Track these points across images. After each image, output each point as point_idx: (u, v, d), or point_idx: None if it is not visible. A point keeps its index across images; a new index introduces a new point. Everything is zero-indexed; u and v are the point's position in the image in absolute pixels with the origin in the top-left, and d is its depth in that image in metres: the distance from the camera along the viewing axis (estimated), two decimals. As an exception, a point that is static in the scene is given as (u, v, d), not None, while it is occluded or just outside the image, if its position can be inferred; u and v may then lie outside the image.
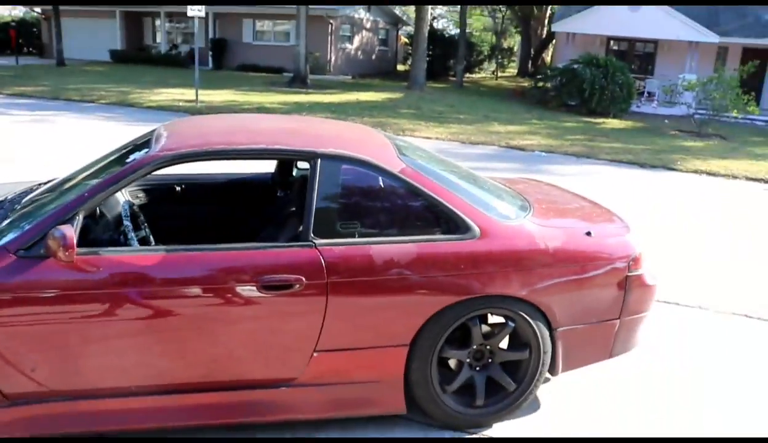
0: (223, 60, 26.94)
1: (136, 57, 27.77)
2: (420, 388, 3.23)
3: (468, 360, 3.32)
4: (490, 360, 3.37)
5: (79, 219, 2.85)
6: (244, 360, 3.04)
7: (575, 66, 19.37)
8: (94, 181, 3.04)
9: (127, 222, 3.19)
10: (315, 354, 3.06)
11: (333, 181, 3.15)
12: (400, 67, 33.36)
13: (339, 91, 20.47)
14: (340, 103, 17.01)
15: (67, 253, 2.65)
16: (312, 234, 3.03)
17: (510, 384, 3.36)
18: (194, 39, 17.12)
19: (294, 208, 3.62)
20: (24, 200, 3.40)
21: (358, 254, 3.05)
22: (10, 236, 2.86)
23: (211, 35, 26.77)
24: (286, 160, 3.44)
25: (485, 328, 3.32)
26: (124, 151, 3.65)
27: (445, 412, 3.30)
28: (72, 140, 10.88)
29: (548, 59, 32.97)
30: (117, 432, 3.06)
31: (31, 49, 31.25)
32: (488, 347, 3.34)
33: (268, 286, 2.93)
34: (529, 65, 33.57)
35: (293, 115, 13.61)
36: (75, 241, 2.67)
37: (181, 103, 15.75)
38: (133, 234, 3.12)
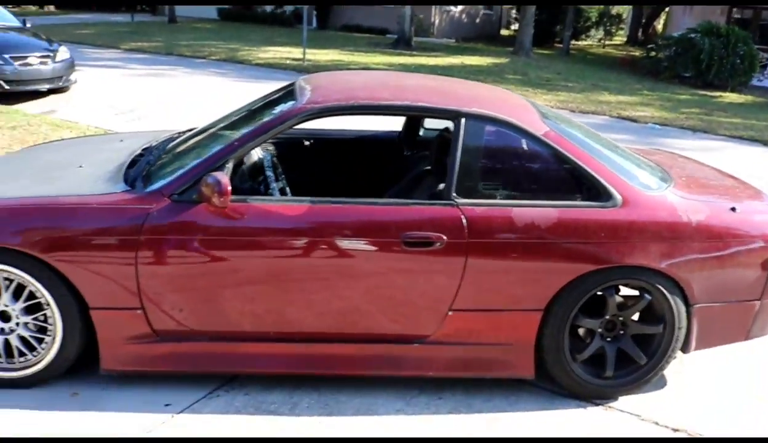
0: (328, 20, 27.05)
1: (243, 15, 28.29)
2: (551, 354, 3.21)
3: (600, 330, 3.27)
4: (621, 332, 3.31)
5: (229, 167, 2.96)
6: (381, 314, 3.10)
7: (692, 35, 18.33)
8: (242, 131, 3.13)
9: (269, 173, 3.29)
10: (450, 313, 3.09)
11: (476, 141, 3.15)
12: (503, 32, 32.60)
13: (443, 54, 20.23)
14: (446, 67, 16.82)
15: (221, 199, 2.77)
16: (454, 194, 3.04)
17: (641, 357, 3.29)
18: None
19: (429, 167, 3.63)
20: (168, 147, 3.56)
21: (499, 215, 3.04)
22: (162, 181, 3.01)
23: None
24: (429, 117, 3.44)
25: (619, 299, 3.24)
26: (262, 103, 3.75)
27: (573, 381, 3.27)
28: (188, 94, 11.28)
29: (659, 28, 31.40)
30: (251, 374, 3.20)
31: (143, 6, 32.37)
32: (621, 318, 3.28)
33: (409, 242, 2.97)
34: (639, 33, 32.08)
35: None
36: (230, 188, 2.77)
37: (288, 61, 15.99)
38: (275, 184, 3.21)
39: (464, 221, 3.01)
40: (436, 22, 26.42)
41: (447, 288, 3.06)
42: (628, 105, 13.71)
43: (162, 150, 3.54)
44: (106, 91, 11.15)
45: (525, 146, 3.26)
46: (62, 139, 4.55)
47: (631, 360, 3.32)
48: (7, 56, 9.64)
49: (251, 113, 3.68)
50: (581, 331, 3.37)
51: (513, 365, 3.25)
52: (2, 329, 3.00)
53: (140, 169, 3.25)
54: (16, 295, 2.95)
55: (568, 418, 3.21)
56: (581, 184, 3.21)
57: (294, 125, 3.06)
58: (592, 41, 32.80)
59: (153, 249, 2.86)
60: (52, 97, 10.39)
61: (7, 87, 9.62)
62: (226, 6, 28.94)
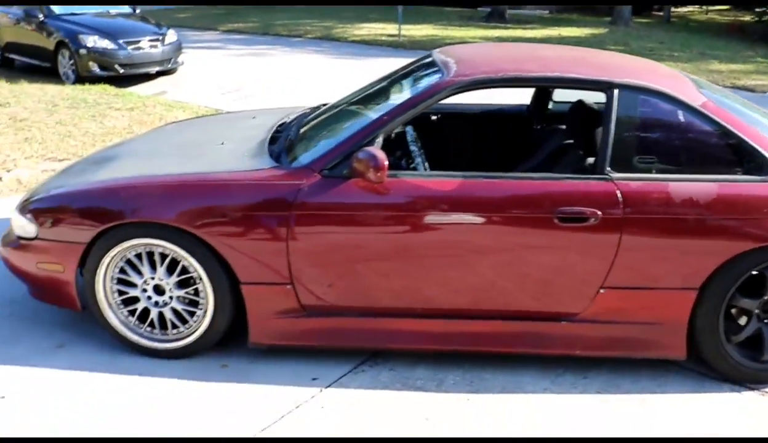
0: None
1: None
2: (704, 335, 3.04)
3: (757, 311, 3.07)
4: None
5: (379, 141, 2.92)
6: (530, 290, 3.02)
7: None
8: (389, 106, 3.08)
9: (413, 147, 3.23)
10: (601, 291, 2.98)
11: (630, 112, 3.01)
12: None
13: (538, 25, 19.68)
14: (543, 38, 16.35)
15: (378, 175, 2.73)
16: (608, 168, 2.91)
17: None
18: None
19: (570, 141, 3.49)
20: (306, 123, 3.56)
21: (656, 190, 2.89)
22: (310, 156, 2.99)
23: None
24: (580, 89, 3.31)
25: None
26: (397, 77, 3.69)
27: (728, 363, 3.09)
28: (290, 72, 11.43)
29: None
30: (395, 350, 3.19)
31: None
32: None
33: (563, 218, 2.87)
34: (746, -2, 30.23)
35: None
36: (386, 163, 2.73)
37: (383, 38, 15.94)
38: (419, 159, 3.15)
39: (619, 196, 2.87)
40: (529, -8, 25.69)
41: (600, 265, 2.94)
42: (741, 73, 12.93)
43: (300, 126, 3.55)
44: (210, 72, 11.42)
45: (681, 118, 3.09)
46: (191, 118, 4.66)
47: None
48: (121, 41, 10.01)
49: (386, 88, 3.64)
50: (737, 312, 3.17)
51: (663, 345, 3.09)
52: (156, 302, 3.09)
53: (282, 145, 3.28)
54: (170, 269, 3.02)
55: (722, 402, 3.03)
56: (741, 157, 3.01)
57: (443, 98, 2.99)
58: (693, 7, 31.16)
59: (303, 224, 2.87)
60: (161, 79, 10.73)
61: (121, 71, 10.00)
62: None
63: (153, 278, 3.04)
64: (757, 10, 20.19)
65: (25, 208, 3.15)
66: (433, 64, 3.40)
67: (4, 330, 3.42)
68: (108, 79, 10.02)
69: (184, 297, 3.07)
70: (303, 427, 2.77)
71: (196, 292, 3.04)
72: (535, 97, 4.20)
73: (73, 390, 2.96)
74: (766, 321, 3.11)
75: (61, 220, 3.03)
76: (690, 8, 30.02)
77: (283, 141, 3.32)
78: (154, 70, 10.38)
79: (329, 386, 3.03)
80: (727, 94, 3.50)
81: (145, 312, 3.12)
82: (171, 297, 3.07)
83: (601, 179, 2.92)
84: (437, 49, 3.79)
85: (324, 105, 4.03)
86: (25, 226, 3.11)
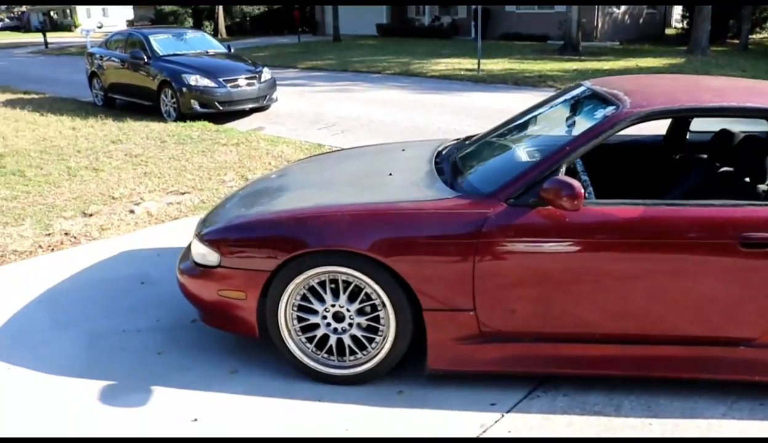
0: (486, 29, 27.07)
1: (401, 30, 28.95)
2: None
3: None
4: None
5: (563, 171, 2.94)
6: (710, 316, 2.99)
7: None
8: (569, 137, 3.10)
9: (584, 177, 3.25)
10: None
11: None
12: (668, 31, 31.05)
13: (612, 57, 19.57)
14: (621, 70, 16.24)
15: (575, 203, 2.76)
16: None
17: None
18: (457, 10, 17.26)
19: (731, 169, 3.48)
20: (468, 154, 3.62)
21: None
22: (489, 186, 3.04)
23: (473, 5, 27.01)
24: (757, 118, 3.30)
25: None
26: (543, 110, 3.74)
27: None
28: (378, 107, 11.63)
29: None
30: (567, 376, 3.19)
31: (305, 27, 33.97)
32: None
33: (746, 243, 2.83)
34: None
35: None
36: (582, 191, 2.76)
37: (462, 72, 16.11)
38: (590, 187, 3.17)
39: None
40: (599, 25, 25.66)
41: None
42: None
43: (464, 156, 3.63)
44: (300, 108, 11.73)
45: None
46: (332, 152, 4.78)
47: None
48: (220, 79, 10.39)
49: (539, 120, 3.69)
50: None
51: None
52: (335, 329, 3.16)
53: (453, 175, 3.35)
54: (351, 297, 3.09)
55: None
56: None
57: (622, 129, 3.01)
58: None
59: (490, 252, 2.91)
60: (255, 116, 11.08)
61: (221, 108, 10.37)
62: (384, 18, 29.65)
63: (333, 305, 3.12)
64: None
65: (206, 237, 3.28)
66: (596, 95, 3.43)
67: (175, 356, 3.55)
68: (207, 115, 10.40)
69: (364, 324, 3.13)
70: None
71: (377, 319, 3.10)
72: (672, 127, 4.19)
73: (255, 415, 3.05)
74: None
75: (245, 248, 3.14)
76: (765, 34, 29.35)
77: (451, 171, 3.39)
78: (249, 106, 10.72)
79: (509, 411, 3.04)
80: None
81: (323, 338, 3.18)
82: (350, 324, 3.14)
83: None
84: (589, 82, 3.83)
85: (474, 136, 4.10)
86: (207, 255, 3.24)
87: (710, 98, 3.18)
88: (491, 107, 11.38)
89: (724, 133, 3.65)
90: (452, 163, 3.56)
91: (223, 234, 3.25)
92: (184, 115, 10.37)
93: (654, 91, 3.31)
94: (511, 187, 2.97)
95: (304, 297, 3.13)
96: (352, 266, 2.99)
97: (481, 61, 16.63)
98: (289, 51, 23.15)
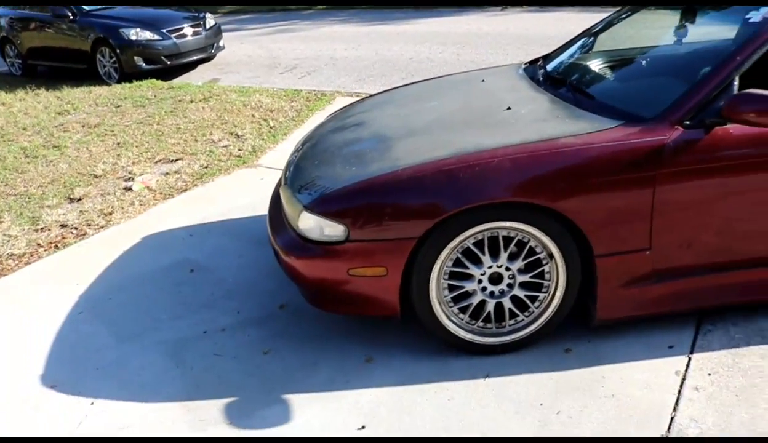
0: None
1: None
2: None
3: None
4: None
5: (736, 85, 2.60)
6: None
7: None
8: (738, 45, 2.72)
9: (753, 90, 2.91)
10: None
11: None
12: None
13: None
14: None
15: None
16: None
17: None
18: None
19: None
20: (589, 76, 3.25)
21: None
22: (654, 109, 2.67)
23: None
24: None
25: None
26: (647, 17, 3.37)
27: None
28: (331, 45, 10.96)
29: None
30: (743, 303, 2.91)
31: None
32: None
33: None
34: None
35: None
36: None
37: (397, 0, 15.46)
38: None
39: None
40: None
41: None
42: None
43: (589, 79, 3.29)
44: (248, 53, 10.94)
45: None
46: (398, 87, 4.19)
47: None
48: (163, 30, 9.46)
49: (643, 27, 3.33)
50: None
51: None
52: (492, 292, 2.76)
53: (586, 100, 2.95)
54: (511, 255, 2.69)
55: None
56: None
57: None
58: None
59: (671, 183, 2.56)
60: (203, 67, 10.23)
61: (168, 62, 9.49)
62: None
63: (491, 267, 2.70)
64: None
65: (320, 208, 2.76)
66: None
67: (287, 352, 3.03)
68: (153, 72, 9.49)
69: (527, 283, 2.74)
70: (715, 398, 2.52)
71: (540, 275, 2.72)
72: None
73: (425, 407, 2.62)
74: None
75: (381, 215, 2.65)
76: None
77: (582, 96, 3.00)
78: (198, 57, 9.86)
79: (692, 351, 2.77)
80: None
81: (479, 306, 2.78)
82: (510, 285, 2.74)
83: None
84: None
85: (553, 53, 3.70)
86: (326, 228, 2.73)
87: None
88: (451, 32, 10.94)
89: None
90: (575, 87, 3.14)
91: (346, 202, 2.72)
92: (127, 75, 9.41)
93: None
94: (684, 108, 2.60)
95: (456, 262, 2.69)
96: (517, 218, 2.57)
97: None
98: (200, -4, 21.67)
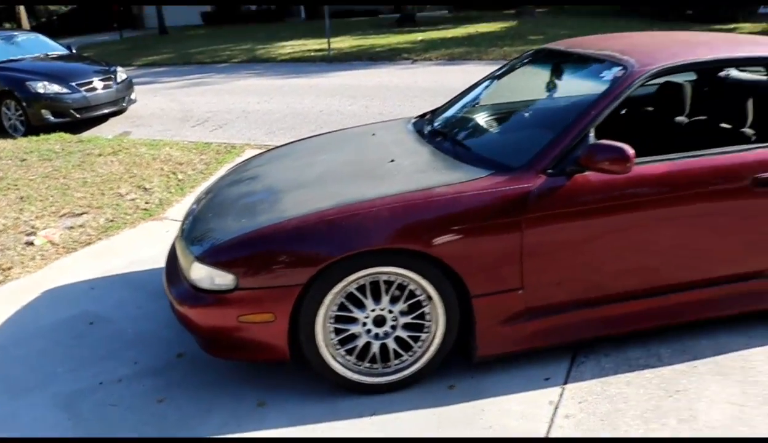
0: (317, 9, 26.83)
1: (228, 16, 27.92)
2: None
3: None
4: None
5: (592, 135, 2.90)
6: (732, 255, 3.15)
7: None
8: (592, 100, 3.04)
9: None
10: None
11: None
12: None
13: (450, 25, 20.14)
14: (464, 37, 16.75)
15: (627, 165, 2.72)
16: None
17: None
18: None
19: (704, 117, 3.65)
20: (463, 129, 3.51)
21: None
22: (519, 159, 2.93)
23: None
24: (746, 66, 3.49)
25: None
26: (520, 74, 3.69)
27: None
28: (244, 98, 11.10)
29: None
30: (614, 335, 3.17)
31: (117, 24, 31.62)
32: None
33: (761, 183, 2.99)
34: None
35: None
36: (632, 153, 2.72)
37: (312, 53, 15.86)
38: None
39: None
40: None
41: None
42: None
43: (463, 133, 3.54)
44: (161, 106, 10.94)
45: None
46: (291, 142, 4.36)
47: None
48: (73, 84, 9.39)
49: (515, 84, 3.64)
50: None
51: None
52: (377, 334, 2.92)
53: (462, 152, 3.21)
54: (393, 298, 2.86)
55: None
56: None
57: (636, 88, 3.03)
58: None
59: (537, 227, 2.81)
60: (114, 120, 10.17)
61: (78, 115, 9.40)
62: (208, 7, 28.48)
63: (374, 310, 2.86)
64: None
65: (211, 259, 2.87)
66: (585, 58, 3.47)
67: (182, 400, 3.07)
68: (62, 125, 9.37)
69: (408, 324, 2.91)
70: (583, 424, 2.73)
71: (421, 316, 2.89)
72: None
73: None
74: None
75: (268, 263, 2.78)
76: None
77: (458, 149, 3.25)
78: (109, 110, 9.80)
79: (566, 382, 2.99)
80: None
81: (364, 348, 2.93)
82: (394, 326, 2.90)
83: None
84: (560, 45, 3.84)
85: (438, 110, 3.99)
86: (217, 278, 2.84)
87: (706, 52, 3.29)
88: (363, 85, 11.28)
89: (670, 85, 3.79)
90: (454, 140, 3.39)
91: (235, 252, 2.85)
92: (35, 128, 9.25)
93: (652, 49, 3.35)
94: (547, 158, 2.88)
95: (341, 307, 2.84)
96: (396, 264, 2.76)
97: (325, 40, 16.43)
98: (115, 48, 21.51)
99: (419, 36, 17.44)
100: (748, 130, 3.37)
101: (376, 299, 2.86)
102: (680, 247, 3.05)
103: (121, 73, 10.17)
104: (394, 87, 11.06)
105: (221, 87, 12.48)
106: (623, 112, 4.21)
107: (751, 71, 4.02)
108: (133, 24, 31.12)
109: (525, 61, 3.98)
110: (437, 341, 2.92)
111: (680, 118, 3.73)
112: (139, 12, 30.79)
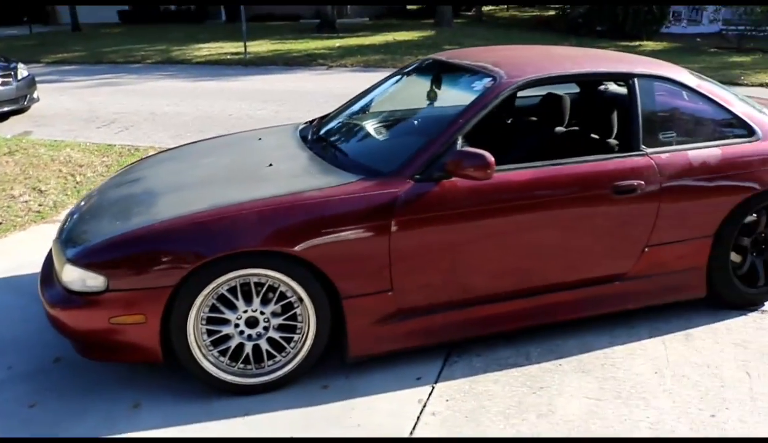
0: (237, 12, 26.52)
1: (146, 15, 27.27)
2: (719, 273, 3.59)
3: (749, 247, 3.68)
4: (764, 247, 3.73)
5: (460, 143, 3.05)
6: (594, 259, 3.37)
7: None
8: (461, 109, 3.20)
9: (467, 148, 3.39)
10: (646, 250, 3.41)
11: (649, 96, 3.50)
12: (409, 6, 32.88)
13: (369, 33, 20.34)
14: (381, 45, 16.98)
15: (488, 172, 2.89)
16: (642, 145, 3.30)
17: None
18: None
19: (575, 128, 3.88)
20: (343, 135, 3.61)
21: (680, 159, 3.41)
22: (391, 165, 3.06)
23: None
24: (606, 80, 3.75)
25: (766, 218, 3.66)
26: (405, 83, 3.84)
27: (735, 293, 3.67)
28: (155, 100, 10.91)
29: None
30: (485, 335, 3.34)
31: (28, 17, 30.30)
32: (763, 235, 3.71)
33: (618, 191, 3.20)
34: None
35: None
36: (493, 160, 2.88)
37: (228, 56, 15.72)
38: None
39: (655, 167, 3.30)
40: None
41: (644, 228, 3.38)
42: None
43: (343, 139, 3.63)
44: (66, 106, 10.62)
45: (685, 97, 3.64)
46: (181, 146, 4.37)
47: None
48: (-31, 80, 9.01)
49: (398, 93, 3.80)
50: (737, 250, 3.70)
51: (691, 287, 3.61)
52: (250, 335, 2.97)
53: (340, 158, 3.31)
54: (264, 299, 2.93)
55: (740, 324, 3.61)
56: (731, 125, 3.64)
57: (503, 98, 3.20)
58: (493, 6, 33.67)
59: (404, 230, 2.93)
60: (14, 119, 9.81)
61: (-27, 113, 9.01)
62: (126, 6, 27.75)
63: (246, 311, 2.93)
64: (556, 6, 22.37)
65: (83, 260, 2.87)
66: (463, 68, 3.62)
67: (56, 404, 3.03)
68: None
69: (281, 325, 2.98)
70: (448, 421, 2.87)
71: (293, 317, 2.97)
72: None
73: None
74: (754, 254, 3.70)
75: (139, 265, 2.81)
76: (492, 7, 32.44)
77: (337, 154, 3.36)
78: (7, 108, 9.45)
79: (437, 381, 3.13)
80: (703, 77, 4.04)
81: (238, 348, 2.98)
82: (266, 328, 2.97)
83: (639, 155, 3.33)
84: (441, 55, 3.99)
85: (327, 116, 4.07)
86: (88, 280, 2.84)
87: (571, 66, 3.51)
88: (274, 89, 11.28)
89: (551, 97, 4.00)
90: (333, 146, 3.49)
91: (106, 254, 2.86)
92: (-75, 126, 8.83)
93: (522, 61, 3.54)
94: (415, 164, 3.01)
95: (213, 308, 2.89)
96: (265, 266, 2.83)
97: (246, 43, 16.32)
98: (22, 44, 20.66)
99: (337, 42, 17.56)
100: (612, 141, 3.61)
101: (248, 301, 2.91)
102: (546, 251, 3.24)
103: (23, 70, 9.83)
104: (307, 92, 11.12)
105: (132, 88, 12.22)
106: (509, 121, 4.41)
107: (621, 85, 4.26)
108: (45, 19, 29.93)
109: (411, 70, 4.13)
110: (309, 342, 3.00)
111: (559, 128, 3.94)
112: (52, 7, 29.65)
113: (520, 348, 3.39)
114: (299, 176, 3.16)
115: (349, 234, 2.89)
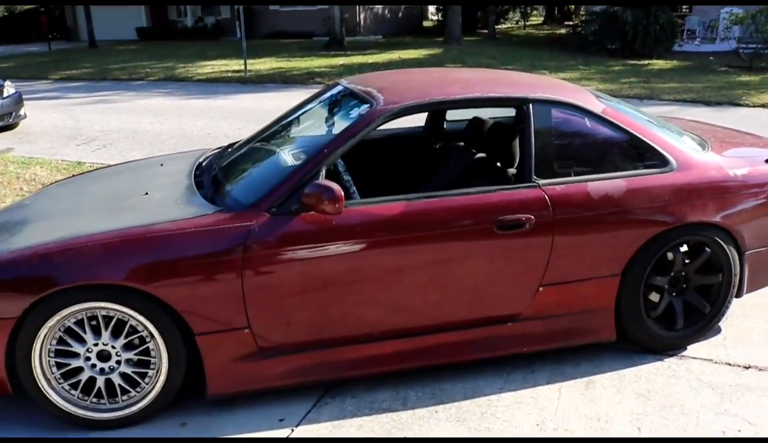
0: (252, 28, 26.77)
1: (163, 32, 27.69)
2: (629, 315, 3.36)
3: (666, 286, 3.41)
4: (684, 286, 3.48)
5: (323, 175, 2.93)
6: (479, 298, 3.17)
7: (615, 9, 19.06)
8: (317, 140, 3.10)
9: (346, 177, 3.26)
10: (541, 289, 3.19)
11: (546, 123, 3.26)
12: (426, 23, 32.96)
13: (377, 50, 20.34)
14: (385, 63, 16.92)
15: (336, 206, 2.76)
16: (534, 176, 3.12)
17: (705, 306, 3.50)
18: (221, 11, 16.89)
19: (482, 154, 3.71)
20: (228, 164, 3.51)
21: (577, 191, 3.16)
22: (250, 197, 2.96)
23: (236, 5, 26.56)
24: (499, 106, 3.54)
25: (682, 256, 3.42)
26: (310, 110, 3.74)
27: (649, 336, 3.43)
28: (144, 117, 10.98)
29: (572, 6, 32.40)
30: (354, 377, 3.19)
31: (55, 34, 31.06)
32: (683, 273, 3.45)
33: (502, 226, 3.03)
34: (555, 11, 33.08)
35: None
36: (342, 194, 2.76)
37: (229, 74, 15.79)
38: (353, 188, 3.20)
39: (548, 200, 3.11)
40: (362, 21, 26.57)
41: (537, 266, 3.15)
42: (571, 81, 14.10)
43: (225, 166, 3.49)
44: (55, 123, 10.74)
45: (588, 124, 3.39)
46: (87, 172, 4.37)
47: (695, 310, 3.50)
48: (-48, 97, 9.16)
49: (301, 122, 3.67)
50: (651, 290, 3.50)
51: (597, 330, 3.37)
52: (102, 369, 2.89)
53: (213, 188, 3.22)
54: (115, 332, 2.84)
55: (652, 371, 3.35)
56: (641, 154, 3.39)
57: (377, 126, 3.07)
58: (510, 24, 33.58)
59: (257, 265, 2.82)
60: (1, 135, 9.94)
61: (-44, 130, 9.15)
62: (145, 26, 28.22)
63: (96, 344, 2.84)
64: (573, 24, 22.14)
65: None
66: (352, 94, 3.47)
67: None
68: (-60, 140, 9.13)
69: (134, 359, 2.89)
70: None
71: (147, 352, 2.88)
72: (430, 118, 4.38)
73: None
74: (674, 294, 3.47)
75: (-18, 294, 2.75)
76: (510, 24, 32.35)
77: (212, 184, 3.26)
78: (-8, 126, 9.58)
79: (299, 424, 2.99)
80: (618, 101, 3.86)
81: (90, 382, 2.90)
82: (118, 362, 2.88)
83: (530, 187, 3.13)
84: (345, 80, 3.87)
85: (236, 143, 3.98)
86: None
87: (458, 90, 3.35)
88: (260, 109, 11.28)
89: (477, 121, 3.87)
90: (213, 175, 3.41)
91: None
92: None
93: (405, 87, 3.42)
94: (272, 196, 2.90)
95: (61, 341, 2.81)
96: (110, 299, 2.75)
97: (249, 60, 16.38)
98: (39, 60, 21.10)
99: (341, 60, 17.57)
100: (511, 170, 3.43)
101: (99, 334, 2.83)
102: (423, 289, 3.06)
103: (9, 88, 9.97)
104: (292, 111, 11.07)
105: (125, 105, 12.33)
106: (437, 146, 4.29)
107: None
108: (66, 35, 30.59)
109: (320, 96, 4.03)
110: (163, 377, 2.91)
111: (471, 155, 3.80)
112: (74, 23, 30.30)
113: (401, 391, 3.20)
114: (165, 206, 3.07)
115: (200, 268, 2.79)
